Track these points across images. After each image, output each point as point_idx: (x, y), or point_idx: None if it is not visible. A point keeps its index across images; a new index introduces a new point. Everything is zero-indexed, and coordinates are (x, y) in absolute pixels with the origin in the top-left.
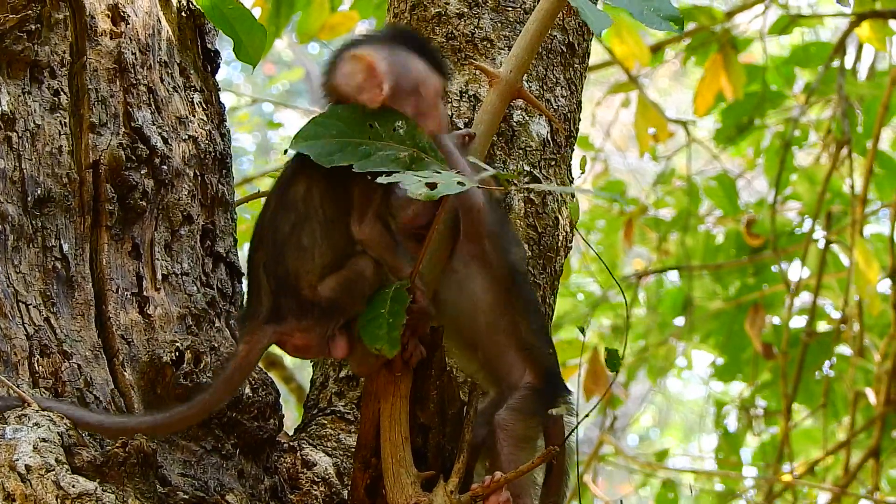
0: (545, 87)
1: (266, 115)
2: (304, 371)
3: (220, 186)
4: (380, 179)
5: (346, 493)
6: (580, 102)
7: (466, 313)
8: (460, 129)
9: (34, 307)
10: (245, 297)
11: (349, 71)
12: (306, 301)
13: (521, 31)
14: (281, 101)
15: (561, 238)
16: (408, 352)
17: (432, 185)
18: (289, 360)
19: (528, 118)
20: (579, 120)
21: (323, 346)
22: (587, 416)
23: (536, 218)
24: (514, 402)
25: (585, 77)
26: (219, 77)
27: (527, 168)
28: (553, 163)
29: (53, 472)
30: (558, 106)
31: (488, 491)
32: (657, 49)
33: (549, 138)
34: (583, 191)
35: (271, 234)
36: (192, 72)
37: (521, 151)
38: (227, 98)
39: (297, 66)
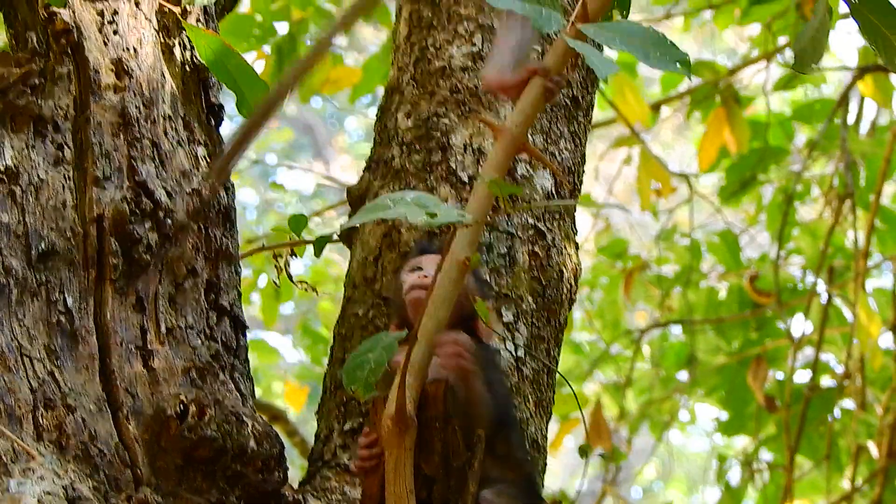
0: (549, 140)
1: (269, 167)
2: (307, 425)
3: (224, 240)
4: (380, 215)
5: None
6: (584, 155)
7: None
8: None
9: (38, 360)
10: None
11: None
12: None
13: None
14: (283, 155)
15: (565, 291)
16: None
17: (432, 215)
18: (292, 414)
19: (532, 171)
20: (583, 173)
21: None
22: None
23: (541, 271)
24: (497, 487)
25: (589, 130)
26: (222, 131)
27: (531, 221)
28: (557, 216)
29: None
30: (562, 159)
31: None
32: (658, 107)
33: (554, 191)
34: None
35: None
36: (195, 125)
37: (525, 205)
38: None
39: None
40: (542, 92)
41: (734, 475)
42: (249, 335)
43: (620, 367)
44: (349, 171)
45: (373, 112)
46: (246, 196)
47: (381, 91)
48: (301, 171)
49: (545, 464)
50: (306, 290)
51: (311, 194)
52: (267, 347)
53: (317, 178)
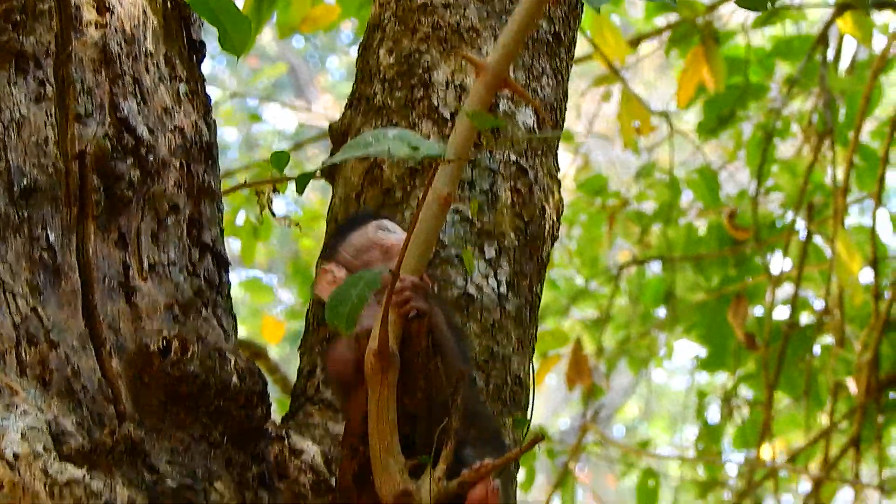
0: (531, 77)
1: (251, 109)
2: (289, 364)
3: (206, 176)
4: (362, 152)
5: (333, 480)
6: (566, 92)
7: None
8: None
9: (20, 296)
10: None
11: (320, 288)
12: None
13: (507, 21)
14: (266, 94)
15: (548, 227)
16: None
17: (414, 149)
18: (273, 352)
19: (514, 108)
20: (565, 110)
21: None
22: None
23: (523, 207)
24: (475, 447)
25: (571, 67)
26: (204, 72)
27: (513, 158)
28: (539, 152)
29: (41, 460)
30: (544, 95)
31: (476, 478)
32: (637, 42)
33: (536, 128)
34: None
35: None
36: (177, 62)
37: (507, 141)
38: (212, 92)
39: (282, 61)
40: (527, 27)
41: (714, 413)
42: (235, 274)
43: (599, 303)
44: (332, 110)
45: (354, 51)
46: (228, 135)
47: (356, 26)
48: (283, 110)
49: (528, 401)
50: (289, 226)
51: (293, 133)
52: (261, 285)
53: (299, 118)
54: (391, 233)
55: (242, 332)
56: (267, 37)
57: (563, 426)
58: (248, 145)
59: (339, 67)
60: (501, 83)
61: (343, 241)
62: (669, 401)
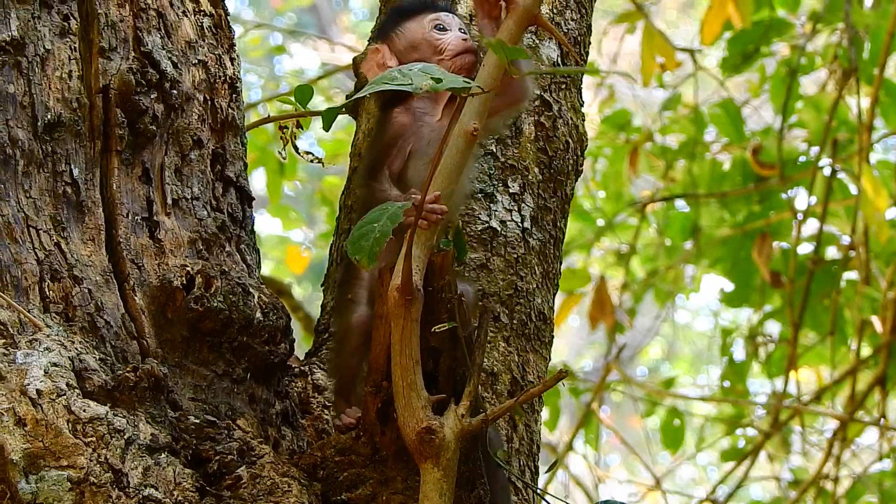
0: (555, 10)
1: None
2: (311, 304)
3: (230, 111)
4: (387, 86)
5: None
6: (590, 26)
7: None
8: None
9: (44, 232)
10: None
11: (367, 66)
12: None
13: None
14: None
15: (571, 162)
16: None
17: (438, 81)
18: (297, 291)
19: (538, 41)
20: (589, 43)
21: None
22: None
23: (547, 142)
24: None
25: (595, 1)
26: (227, 2)
27: (537, 92)
28: (563, 86)
29: (64, 397)
30: (568, 29)
31: (498, 415)
32: None
33: (560, 62)
34: None
35: None
36: None
37: (531, 72)
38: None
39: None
40: None
41: (738, 351)
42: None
43: (622, 237)
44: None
45: None
46: (251, 78)
47: None
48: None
49: (551, 337)
50: (312, 161)
51: (315, 73)
52: (290, 210)
53: (321, 57)
54: (447, 31)
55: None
56: None
57: (586, 367)
58: (271, 83)
59: (361, 7)
60: (532, 19)
61: (397, 27)
62: (693, 342)
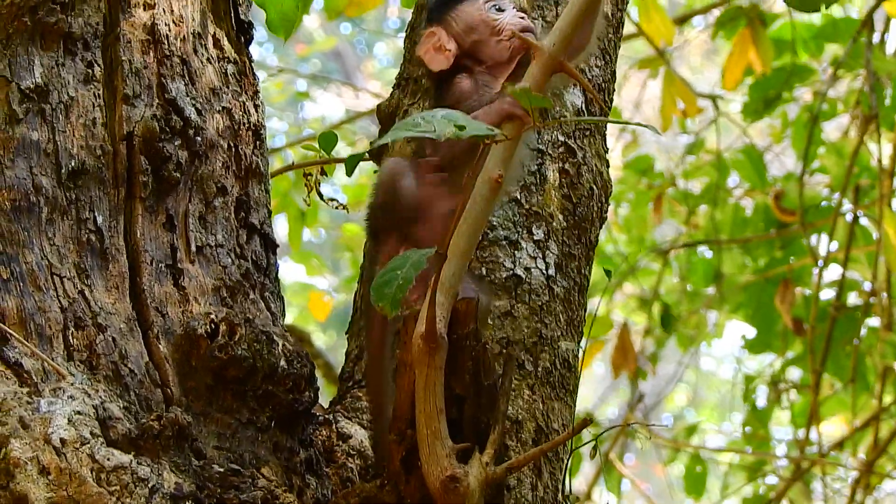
0: None
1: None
2: (335, 352)
3: (254, 158)
4: (410, 133)
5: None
6: (614, 73)
7: None
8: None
9: (68, 280)
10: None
11: (423, 50)
12: None
13: (554, 2)
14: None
15: (595, 209)
16: None
17: (461, 128)
18: (321, 338)
19: (562, 89)
20: (613, 90)
21: None
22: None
23: (571, 189)
24: None
25: (619, 48)
26: (251, 49)
27: (561, 138)
28: (588, 133)
29: (88, 446)
30: (592, 76)
31: (523, 463)
32: (683, 21)
33: (584, 108)
34: None
35: None
36: (225, 43)
37: (555, 121)
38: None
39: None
40: (585, 13)
41: (761, 398)
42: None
43: (644, 282)
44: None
45: (402, 38)
46: (275, 124)
47: (409, 14)
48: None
49: (576, 384)
50: (336, 207)
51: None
52: (313, 256)
53: (345, 104)
54: (502, 11)
55: (290, 311)
56: (314, 23)
57: (610, 415)
58: (295, 133)
59: (386, 54)
60: (558, 66)
61: (452, 9)
62: (717, 388)
